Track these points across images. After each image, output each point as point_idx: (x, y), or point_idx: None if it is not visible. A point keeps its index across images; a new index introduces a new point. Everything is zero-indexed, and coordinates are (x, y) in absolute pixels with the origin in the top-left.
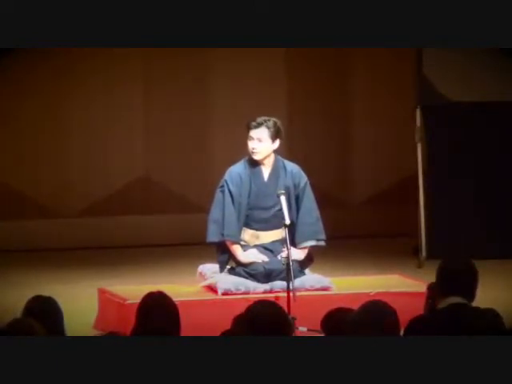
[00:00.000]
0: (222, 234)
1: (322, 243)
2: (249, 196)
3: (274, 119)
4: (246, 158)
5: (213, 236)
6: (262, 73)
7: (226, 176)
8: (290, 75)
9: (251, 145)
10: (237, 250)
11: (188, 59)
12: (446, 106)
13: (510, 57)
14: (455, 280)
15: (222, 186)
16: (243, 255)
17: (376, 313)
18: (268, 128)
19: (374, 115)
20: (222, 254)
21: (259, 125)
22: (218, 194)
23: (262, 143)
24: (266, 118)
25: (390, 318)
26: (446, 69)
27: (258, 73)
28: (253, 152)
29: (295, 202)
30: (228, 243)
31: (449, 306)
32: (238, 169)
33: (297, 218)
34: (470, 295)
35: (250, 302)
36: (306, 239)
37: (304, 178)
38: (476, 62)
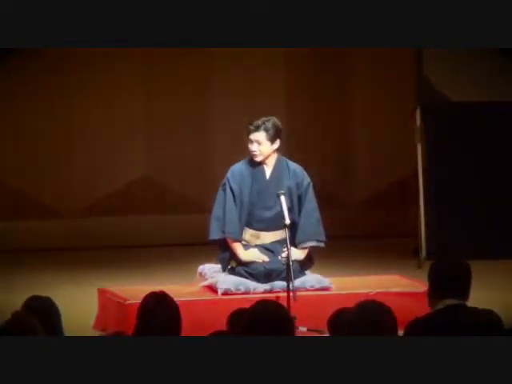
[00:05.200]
0: (223, 232)
1: (322, 244)
2: (250, 194)
3: (273, 120)
4: (248, 157)
5: (214, 234)
6: (261, 73)
7: (228, 174)
8: (289, 75)
9: (251, 147)
10: (238, 248)
11: (188, 60)
12: (446, 105)
13: (510, 57)
14: (452, 282)
15: (224, 184)
16: (244, 254)
17: (372, 312)
18: (266, 131)
19: (373, 115)
20: (224, 252)
21: (257, 128)
22: (219, 192)
23: (262, 146)
24: (265, 119)
25: (387, 317)
26: (446, 69)
27: (257, 73)
28: (253, 154)
29: (297, 202)
30: (229, 241)
31: (447, 307)
32: (239, 166)
33: (298, 218)
34: (466, 295)
35: (250, 302)
36: (307, 240)
37: (307, 179)
38: (476, 62)
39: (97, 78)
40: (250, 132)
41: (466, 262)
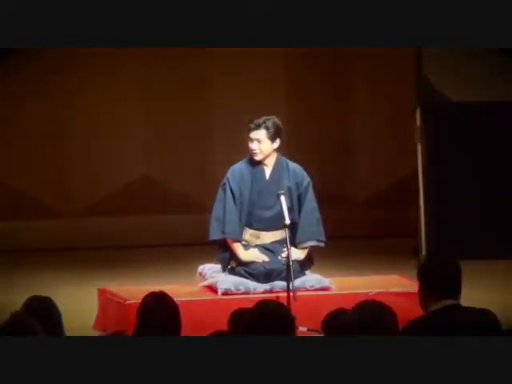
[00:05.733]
0: (223, 232)
1: (322, 244)
2: (250, 194)
3: (273, 119)
4: (248, 157)
5: (214, 234)
6: (261, 73)
7: (228, 174)
8: (289, 75)
9: (251, 146)
10: (238, 248)
11: (188, 60)
12: (446, 105)
13: (510, 57)
14: (449, 283)
15: (224, 184)
16: (244, 254)
17: (372, 312)
18: (267, 129)
19: (374, 115)
20: (224, 252)
21: (258, 126)
22: (219, 192)
23: (262, 144)
24: (266, 117)
25: (387, 316)
26: (446, 69)
27: (257, 73)
28: (253, 153)
29: (297, 202)
30: (229, 241)
31: (444, 308)
32: (239, 166)
33: (298, 218)
34: (459, 295)
35: (250, 302)
36: (307, 240)
37: (307, 178)
38: (476, 62)
39: (97, 78)
40: (250, 130)
41: (457, 261)
